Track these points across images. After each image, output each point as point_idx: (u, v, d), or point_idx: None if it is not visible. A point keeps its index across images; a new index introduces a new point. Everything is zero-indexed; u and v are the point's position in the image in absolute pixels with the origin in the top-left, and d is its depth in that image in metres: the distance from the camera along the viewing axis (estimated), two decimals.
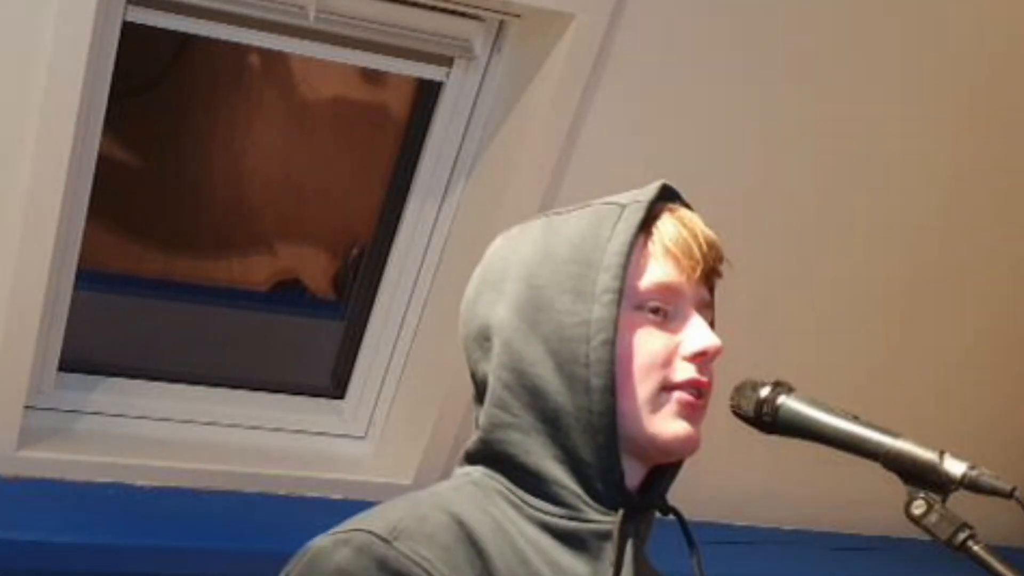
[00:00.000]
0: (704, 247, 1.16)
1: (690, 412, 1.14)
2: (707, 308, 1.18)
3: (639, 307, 1.14)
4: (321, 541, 1.10)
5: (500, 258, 1.21)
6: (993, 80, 2.70)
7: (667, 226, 1.16)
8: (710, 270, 1.18)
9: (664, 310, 1.15)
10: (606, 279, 1.12)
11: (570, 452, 1.13)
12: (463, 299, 1.23)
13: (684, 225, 1.17)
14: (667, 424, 1.13)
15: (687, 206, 1.21)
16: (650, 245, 1.16)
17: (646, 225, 1.16)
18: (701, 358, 1.14)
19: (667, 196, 1.20)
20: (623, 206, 1.16)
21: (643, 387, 1.13)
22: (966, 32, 2.60)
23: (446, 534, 1.09)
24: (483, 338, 1.18)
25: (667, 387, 1.13)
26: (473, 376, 1.22)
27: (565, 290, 1.13)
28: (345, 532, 1.09)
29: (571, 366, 1.11)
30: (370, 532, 1.07)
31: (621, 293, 1.12)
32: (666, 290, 1.15)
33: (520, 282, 1.16)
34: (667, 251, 1.15)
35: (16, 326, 2.17)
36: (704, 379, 1.14)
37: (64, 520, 2.27)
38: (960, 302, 3.00)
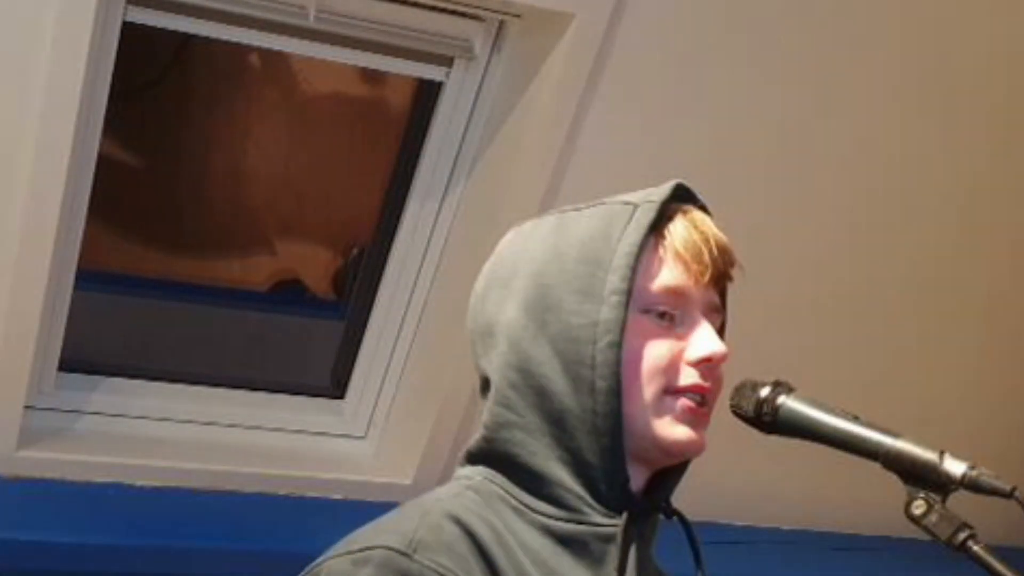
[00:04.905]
0: (715, 251, 1.15)
1: (693, 418, 1.14)
2: (716, 312, 1.18)
3: (646, 310, 1.13)
4: (334, 563, 1.08)
5: (511, 253, 1.21)
6: (998, 77, 2.70)
7: (678, 228, 1.15)
8: (720, 274, 1.17)
9: (671, 314, 1.14)
10: (614, 280, 1.11)
11: (575, 454, 1.12)
12: (472, 293, 1.23)
13: (696, 228, 1.16)
14: (670, 428, 1.13)
15: (702, 207, 1.20)
16: (660, 248, 1.15)
17: (657, 226, 1.15)
18: (705, 363, 1.14)
19: (681, 196, 1.19)
20: (635, 206, 1.15)
21: (647, 390, 1.12)
22: (970, 27, 2.60)
23: (460, 544, 1.08)
24: (490, 335, 1.18)
25: (671, 391, 1.13)
26: (478, 370, 1.21)
27: (573, 290, 1.12)
28: (360, 551, 1.07)
29: (577, 367, 1.11)
30: (388, 547, 1.06)
31: (629, 295, 1.11)
32: (674, 294, 1.14)
33: (529, 280, 1.15)
34: (677, 255, 1.14)
35: (16, 326, 2.17)
36: (707, 384, 1.14)
37: (64, 520, 2.27)
38: (961, 302, 3.00)
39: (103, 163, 2.24)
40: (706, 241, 1.15)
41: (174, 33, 2.20)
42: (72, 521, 2.27)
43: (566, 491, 1.13)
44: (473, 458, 1.19)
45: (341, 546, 1.10)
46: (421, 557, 1.05)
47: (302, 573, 1.12)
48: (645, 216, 1.14)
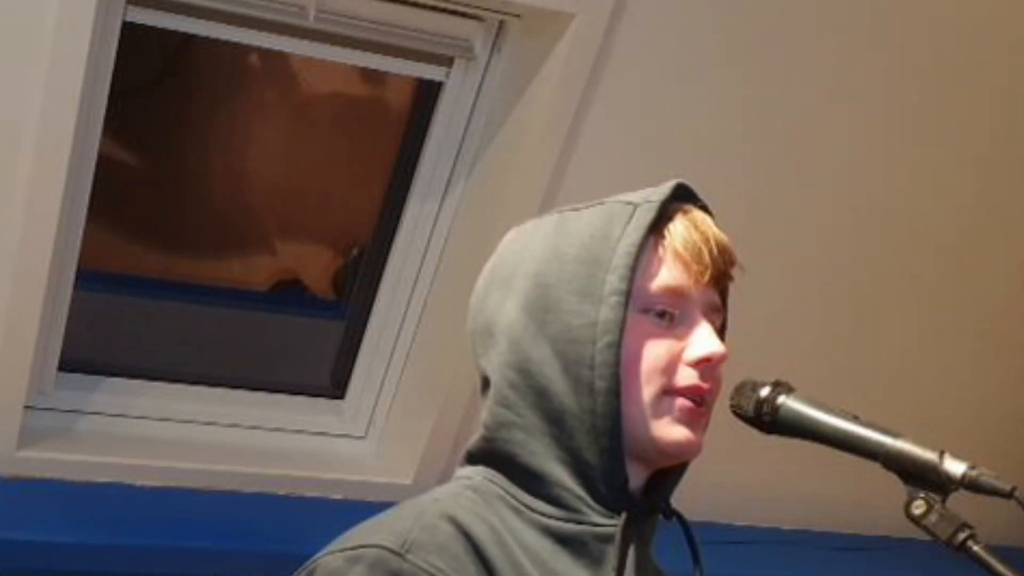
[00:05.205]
0: (715, 251, 1.15)
1: (691, 418, 1.13)
2: (716, 312, 1.18)
3: (646, 310, 1.13)
4: (328, 559, 1.08)
5: (511, 253, 1.21)
6: (1002, 79, 2.70)
7: (678, 228, 1.15)
8: (720, 274, 1.17)
9: (671, 314, 1.14)
10: (613, 280, 1.11)
11: (574, 454, 1.12)
12: (473, 292, 1.23)
13: (696, 228, 1.15)
14: (667, 429, 1.13)
15: (703, 207, 1.20)
16: (660, 247, 1.14)
17: (657, 226, 1.14)
18: (704, 364, 1.13)
19: (682, 196, 1.19)
20: (635, 205, 1.15)
21: (646, 391, 1.12)
22: (973, 25, 2.60)
23: (455, 544, 1.08)
24: (489, 334, 1.18)
25: (669, 392, 1.13)
26: (478, 369, 1.21)
27: (573, 290, 1.12)
28: (354, 548, 1.07)
29: (576, 367, 1.11)
30: (381, 547, 1.06)
31: (628, 295, 1.11)
32: (673, 294, 1.14)
33: (529, 280, 1.15)
34: (676, 254, 1.14)
35: (16, 326, 2.17)
36: (706, 385, 1.14)
37: (64, 520, 2.27)
38: (961, 301, 3.00)
39: (103, 163, 2.24)
40: (706, 241, 1.15)
41: (174, 33, 2.20)
42: (72, 521, 2.27)
43: (565, 491, 1.13)
44: (473, 458, 1.20)
45: (336, 543, 1.11)
46: (414, 557, 1.05)
47: (299, 570, 1.12)
48: (645, 216, 1.13)
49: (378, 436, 2.65)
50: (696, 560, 1.21)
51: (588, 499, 1.12)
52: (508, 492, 1.15)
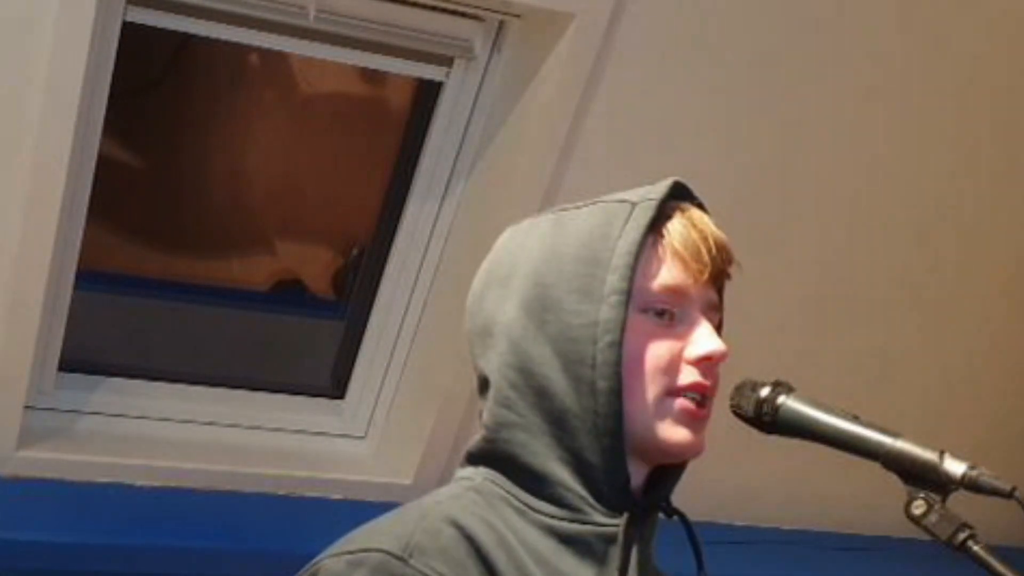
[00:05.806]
0: (713, 249, 1.15)
1: (692, 419, 1.14)
2: (714, 310, 1.18)
3: (645, 309, 1.13)
4: (330, 563, 1.08)
5: (508, 252, 1.20)
6: (998, 79, 2.70)
7: (676, 227, 1.15)
8: (719, 272, 1.17)
9: (671, 312, 1.14)
10: (614, 280, 1.11)
11: (576, 454, 1.12)
12: (470, 292, 1.23)
13: (694, 226, 1.15)
14: (669, 430, 1.13)
15: (699, 204, 1.20)
16: (659, 246, 1.14)
17: (656, 225, 1.14)
18: (706, 362, 1.13)
19: (679, 194, 1.19)
20: (633, 204, 1.15)
21: (648, 390, 1.12)
22: (969, 30, 2.60)
23: (457, 548, 1.08)
24: (488, 334, 1.18)
25: (671, 391, 1.13)
26: (476, 369, 1.21)
27: (572, 289, 1.12)
28: (356, 552, 1.07)
29: (577, 367, 1.11)
30: (384, 551, 1.06)
31: (628, 294, 1.11)
32: (673, 293, 1.14)
33: (527, 279, 1.15)
34: (675, 253, 1.14)
35: (16, 326, 2.17)
36: (708, 383, 1.14)
37: (64, 520, 2.27)
38: (961, 302, 3.00)
39: (103, 163, 2.24)
40: (704, 239, 1.15)
41: (174, 33, 2.20)
42: (72, 521, 2.27)
43: (567, 491, 1.13)
44: (474, 459, 1.19)
45: (338, 546, 1.10)
46: (416, 562, 1.05)
47: (300, 572, 1.12)
48: (643, 215, 1.13)
49: (378, 436, 2.65)
50: (698, 557, 1.21)
51: (590, 499, 1.12)
52: (510, 493, 1.15)
